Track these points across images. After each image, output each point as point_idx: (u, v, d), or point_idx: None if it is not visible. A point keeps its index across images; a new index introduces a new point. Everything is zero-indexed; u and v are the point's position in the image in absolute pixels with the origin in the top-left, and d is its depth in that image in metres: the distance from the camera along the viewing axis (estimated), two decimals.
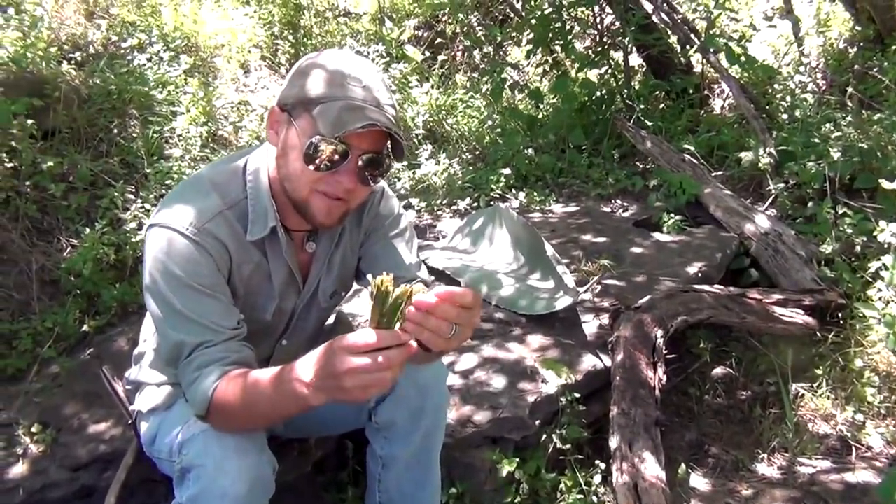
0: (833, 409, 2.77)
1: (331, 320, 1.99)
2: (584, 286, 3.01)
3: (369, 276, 1.16)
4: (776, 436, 2.65)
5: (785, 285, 3.30)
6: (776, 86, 5.09)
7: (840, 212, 3.49)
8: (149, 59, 4.63)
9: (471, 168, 4.90)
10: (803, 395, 2.85)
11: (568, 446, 2.30)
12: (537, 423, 2.29)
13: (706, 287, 2.97)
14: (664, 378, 2.47)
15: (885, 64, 4.71)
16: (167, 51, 4.80)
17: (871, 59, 4.80)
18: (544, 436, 2.31)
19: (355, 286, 1.91)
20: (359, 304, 3.00)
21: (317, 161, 1.43)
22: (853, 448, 2.60)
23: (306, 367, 1.21)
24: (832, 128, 4.17)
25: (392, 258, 1.78)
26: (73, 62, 4.40)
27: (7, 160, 3.27)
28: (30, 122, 3.32)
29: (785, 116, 4.65)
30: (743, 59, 4.34)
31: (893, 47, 4.77)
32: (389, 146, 1.51)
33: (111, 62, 4.43)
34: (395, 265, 1.75)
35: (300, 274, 1.69)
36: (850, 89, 4.41)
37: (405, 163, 4.75)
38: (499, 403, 2.31)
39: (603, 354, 2.59)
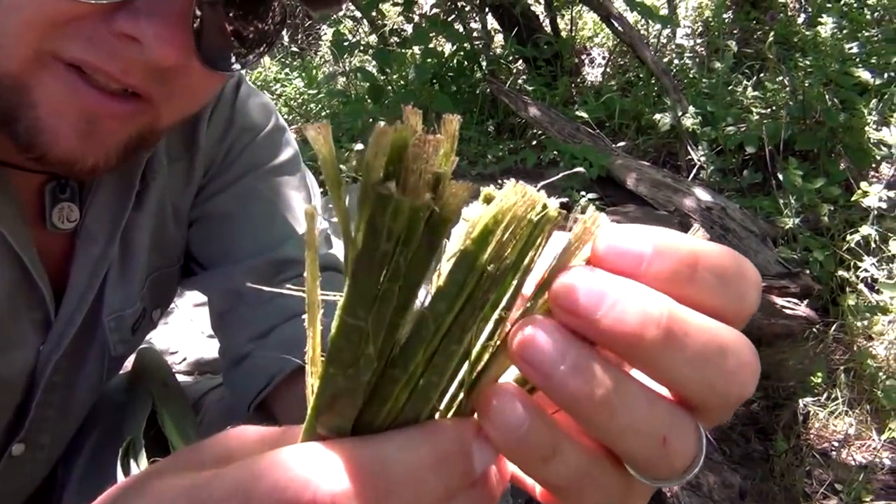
0: (861, 428, 2.07)
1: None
2: None
3: None
4: (812, 481, 1.88)
5: None
6: (663, 47, 4.52)
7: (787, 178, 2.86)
8: None
9: (307, 145, 3.82)
10: (814, 413, 2.12)
11: None
12: None
13: None
14: None
15: (766, 28, 4.28)
16: None
17: (752, 23, 4.37)
18: None
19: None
20: (188, 329, 1.88)
21: None
22: None
23: None
24: (743, 89, 3.59)
25: (267, 223, 0.94)
26: None
27: None
28: None
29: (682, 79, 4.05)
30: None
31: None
32: None
33: None
34: (274, 237, 0.93)
35: (46, 279, 0.77)
36: (731, 43, 3.90)
37: None
38: None
39: None
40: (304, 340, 0.31)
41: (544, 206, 0.28)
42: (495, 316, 0.29)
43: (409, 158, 0.25)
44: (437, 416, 0.31)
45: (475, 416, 0.31)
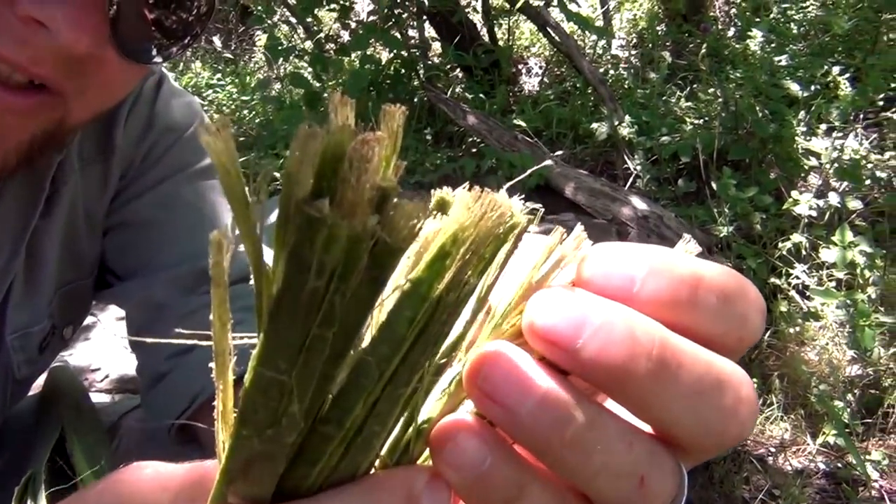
0: (796, 433, 2.10)
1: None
2: None
3: None
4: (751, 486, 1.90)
5: None
6: (599, 57, 4.57)
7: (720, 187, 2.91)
8: None
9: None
10: None
11: None
12: None
13: None
14: None
15: (698, 41, 4.37)
16: None
17: (684, 35, 4.46)
18: None
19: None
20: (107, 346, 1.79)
21: None
22: (843, 486, 1.93)
23: None
24: (676, 100, 3.65)
25: (190, 230, 0.87)
26: None
27: None
28: None
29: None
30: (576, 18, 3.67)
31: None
32: None
33: None
34: (198, 245, 0.84)
35: None
36: (665, 54, 3.98)
37: None
38: None
39: None
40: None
41: (512, 216, 0.23)
42: (450, 340, 0.25)
43: (346, 169, 0.20)
44: (380, 463, 0.26)
45: (427, 454, 0.26)
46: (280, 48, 4.02)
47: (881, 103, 3.28)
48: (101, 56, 0.59)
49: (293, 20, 4.64)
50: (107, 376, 2.05)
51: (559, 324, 0.23)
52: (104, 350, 2.13)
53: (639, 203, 2.91)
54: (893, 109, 3.25)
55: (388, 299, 0.23)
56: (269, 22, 4.24)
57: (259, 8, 4.60)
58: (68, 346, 0.92)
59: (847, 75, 3.41)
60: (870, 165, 2.92)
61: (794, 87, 3.26)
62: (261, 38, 5.79)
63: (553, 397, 0.23)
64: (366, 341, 0.23)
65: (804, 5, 4.24)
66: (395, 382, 0.23)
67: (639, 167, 3.24)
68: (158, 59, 0.65)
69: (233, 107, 4.51)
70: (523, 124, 3.68)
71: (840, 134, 3.12)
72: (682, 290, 0.25)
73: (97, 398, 1.94)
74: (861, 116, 3.26)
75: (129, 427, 1.07)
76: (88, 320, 2.24)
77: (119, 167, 0.85)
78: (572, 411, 0.23)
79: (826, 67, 3.45)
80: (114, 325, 2.17)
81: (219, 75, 5.19)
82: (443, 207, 0.24)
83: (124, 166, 0.86)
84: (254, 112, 4.33)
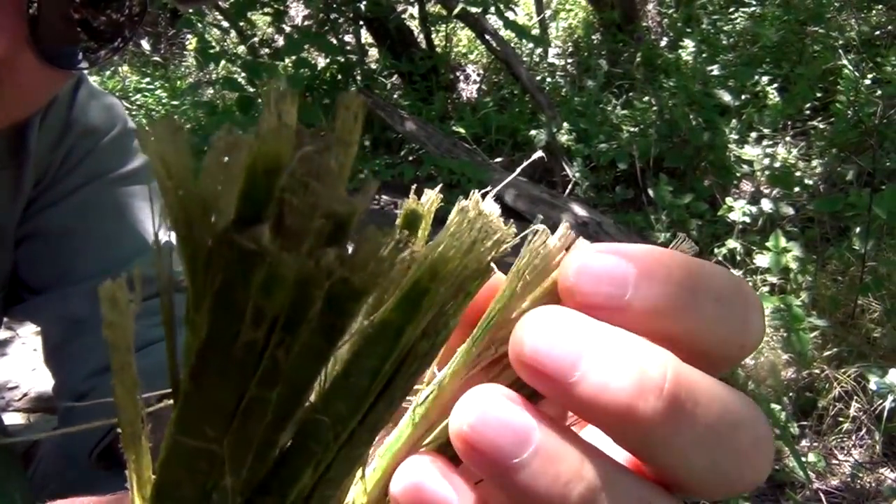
0: None
1: None
2: None
3: None
4: None
5: None
6: (535, 65, 4.59)
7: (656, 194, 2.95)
8: None
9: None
10: None
11: None
12: None
13: None
14: None
15: (632, 50, 4.44)
16: None
17: (619, 45, 4.52)
18: None
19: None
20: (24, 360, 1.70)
21: None
22: (782, 489, 1.96)
23: None
24: (613, 108, 3.69)
25: (111, 238, 0.81)
26: None
27: None
28: None
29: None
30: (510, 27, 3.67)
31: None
32: None
33: None
34: (120, 254, 0.80)
35: None
36: (601, 62, 4.03)
37: None
38: None
39: None
40: (163, 371, 0.20)
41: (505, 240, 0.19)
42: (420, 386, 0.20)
43: (286, 186, 0.15)
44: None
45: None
46: (212, 51, 3.90)
47: (808, 112, 3.38)
48: (17, 61, 0.52)
49: (225, 24, 4.52)
50: (25, 394, 1.92)
51: (549, 355, 0.19)
52: (22, 366, 2.00)
53: (578, 210, 2.92)
54: (819, 118, 3.35)
55: (344, 344, 0.18)
56: (200, 25, 4.11)
57: (189, 11, 4.45)
58: None
59: (775, 85, 3.51)
60: (798, 173, 3.00)
61: (726, 97, 3.33)
62: (191, 42, 5.64)
63: (553, 449, 0.19)
64: (315, 393, 0.18)
65: (733, 17, 4.35)
66: (352, 444, 0.18)
67: (577, 174, 3.26)
68: (84, 65, 0.59)
69: (162, 111, 4.36)
70: (462, 131, 3.66)
71: (770, 142, 3.20)
72: (678, 295, 0.21)
73: (14, 418, 1.81)
74: (789, 125, 3.36)
75: (46, 453, 0.98)
76: (5, 334, 2.10)
77: (33, 173, 0.78)
78: (578, 469, 0.19)
79: (755, 77, 3.54)
80: (32, 339, 2.04)
81: (147, 79, 5.02)
82: (412, 224, 0.20)
83: (39, 172, 0.79)
84: (185, 117, 4.20)
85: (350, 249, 0.16)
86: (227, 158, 0.15)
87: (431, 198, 0.21)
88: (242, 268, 0.15)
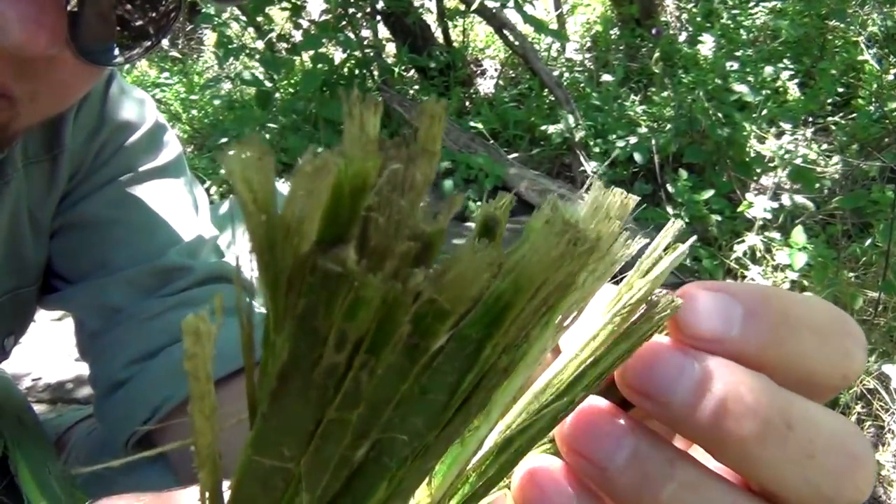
0: None
1: None
2: None
3: None
4: None
5: None
6: (553, 60, 4.57)
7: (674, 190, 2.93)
8: None
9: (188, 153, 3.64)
10: None
11: None
12: None
13: None
14: None
15: (650, 45, 4.41)
16: None
17: (637, 40, 4.49)
18: None
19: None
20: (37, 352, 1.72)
21: None
22: None
23: None
24: (631, 103, 3.67)
25: (146, 229, 0.82)
26: None
27: None
28: None
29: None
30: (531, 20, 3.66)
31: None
32: None
33: None
34: (155, 244, 0.80)
35: None
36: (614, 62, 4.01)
37: None
38: None
39: None
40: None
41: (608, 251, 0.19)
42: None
43: (374, 205, 0.15)
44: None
45: None
46: (230, 47, 3.92)
47: (829, 108, 3.35)
48: (57, 58, 0.53)
49: (243, 18, 4.54)
50: (45, 385, 1.94)
51: (653, 375, 0.22)
52: (40, 356, 2.02)
53: None
54: (840, 114, 3.32)
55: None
56: (218, 20, 4.12)
57: (208, 5, 4.47)
58: (8, 357, 0.86)
59: (796, 80, 3.47)
60: (819, 168, 2.97)
61: (745, 91, 3.30)
62: (209, 37, 5.66)
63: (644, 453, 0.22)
64: (391, 408, 0.18)
65: (753, 12, 4.31)
66: (426, 457, 0.18)
67: (595, 170, 3.25)
68: (120, 60, 0.59)
69: (180, 106, 4.38)
70: (480, 126, 3.66)
71: (791, 137, 3.17)
72: (779, 330, 0.23)
73: (38, 409, 1.83)
74: (810, 121, 3.33)
75: (77, 440, 1.00)
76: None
77: (68, 166, 0.79)
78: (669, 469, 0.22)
79: (775, 72, 3.51)
80: (49, 326, 2.05)
81: (166, 73, 5.05)
82: (491, 230, 0.19)
83: (74, 165, 0.80)
84: (203, 112, 4.22)
85: (436, 268, 0.15)
86: (314, 182, 0.14)
87: (506, 201, 0.21)
88: (326, 291, 0.14)
